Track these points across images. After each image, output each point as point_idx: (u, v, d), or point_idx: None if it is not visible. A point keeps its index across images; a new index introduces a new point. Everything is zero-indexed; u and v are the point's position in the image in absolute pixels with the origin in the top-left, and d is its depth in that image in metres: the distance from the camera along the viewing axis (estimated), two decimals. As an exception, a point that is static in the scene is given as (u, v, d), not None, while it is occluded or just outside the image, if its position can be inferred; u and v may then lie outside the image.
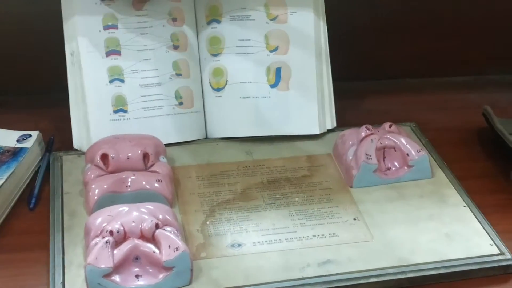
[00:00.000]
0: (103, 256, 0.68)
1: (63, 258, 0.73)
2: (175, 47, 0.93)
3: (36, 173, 0.87)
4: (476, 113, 1.00)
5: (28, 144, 0.88)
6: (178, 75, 0.93)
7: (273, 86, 0.94)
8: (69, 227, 0.78)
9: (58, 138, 0.93)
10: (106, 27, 0.91)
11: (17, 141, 0.88)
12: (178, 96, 0.93)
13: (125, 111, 0.91)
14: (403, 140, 0.87)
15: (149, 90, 0.92)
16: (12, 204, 0.82)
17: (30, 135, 0.89)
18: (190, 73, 0.94)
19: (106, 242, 0.69)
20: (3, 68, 1.01)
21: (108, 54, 0.91)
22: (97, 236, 0.71)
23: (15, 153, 0.86)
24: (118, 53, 0.91)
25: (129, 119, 0.91)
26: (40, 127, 0.92)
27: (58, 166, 0.88)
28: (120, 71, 0.91)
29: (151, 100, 0.92)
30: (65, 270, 0.72)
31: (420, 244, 0.77)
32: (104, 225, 0.71)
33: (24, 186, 0.85)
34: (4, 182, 0.80)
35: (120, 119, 0.91)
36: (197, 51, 0.95)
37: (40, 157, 0.90)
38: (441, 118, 1.04)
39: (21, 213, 0.82)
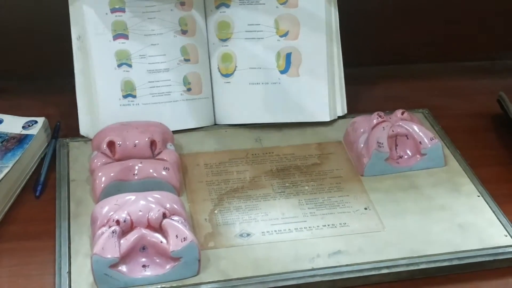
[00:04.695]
0: (109, 246, 0.67)
1: (69, 247, 0.73)
2: (183, 32, 0.92)
3: (42, 160, 0.87)
4: (490, 99, 0.98)
5: (34, 130, 0.86)
6: (187, 60, 0.92)
7: (283, 72, 0.93)
8: (76, 215, 0.77)
9: (64, 124, 0.92)
10: (113, 10, 0.89)
11: (23, 127, 0.87)
12: (186, 82, 0.92)
13: (134, 96, 0.90)
14: (415, 128, 0.86)
15: (157, 76, 0.91)
16: (18, 191, 0.82)
17: (36, 122, 0.88)
18: (199, 59, 0.92)
19: (113, 232, 0.68)
20: (9, 54, 1.00)
21: (115, 37, 0.89)
22: (103, 225, 0.70)
23: (21, 139, 0.85)
24: (125, 36, 0.90)
25: (138, 104, 0.90)
26: (46, 113, 0.91)
27: (65, 153, 0.87)
28: (127, 55, 0.90)
29: (159, 86, 0.91)
30: (71, 260, 0.71)
31: (433, 234, 0.76)
32: (110, 214, 0.70)
33: (30, 173, 0.84)
34: (10, 169, 0.79)
35: (130, 104, 0.89)
36: (206, 36, 0.93)
37: (46, 144, 0.89)
38: (454, 104, 1.02)
39: (27, 201, 0.81)
